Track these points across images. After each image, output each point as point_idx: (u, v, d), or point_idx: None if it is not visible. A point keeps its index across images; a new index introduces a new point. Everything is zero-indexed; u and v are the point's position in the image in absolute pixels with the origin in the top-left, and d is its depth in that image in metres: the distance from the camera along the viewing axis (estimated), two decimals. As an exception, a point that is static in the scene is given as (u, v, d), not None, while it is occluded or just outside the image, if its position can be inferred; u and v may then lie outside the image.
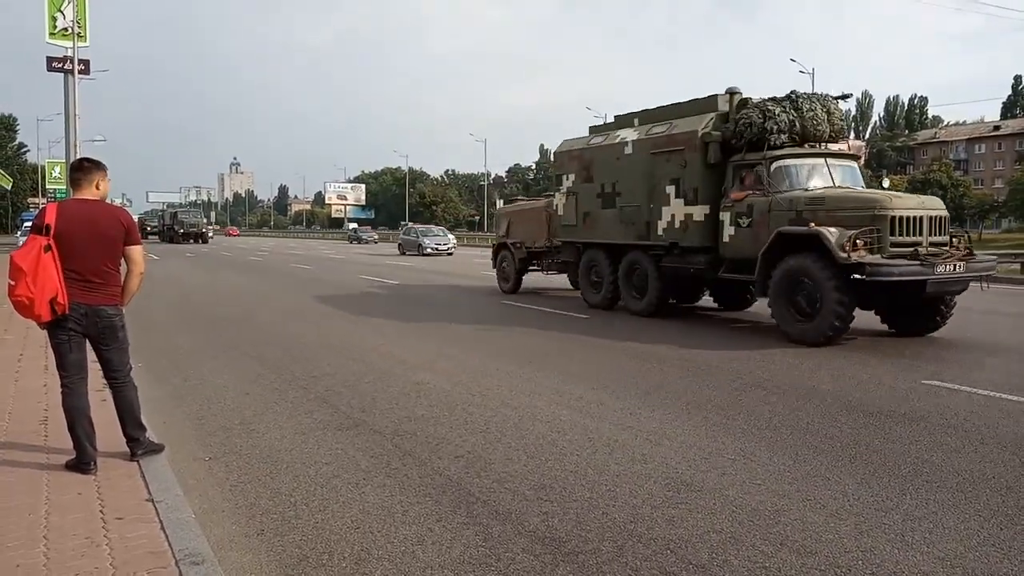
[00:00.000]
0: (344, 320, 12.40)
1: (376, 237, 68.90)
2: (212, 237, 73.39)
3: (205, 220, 70.24)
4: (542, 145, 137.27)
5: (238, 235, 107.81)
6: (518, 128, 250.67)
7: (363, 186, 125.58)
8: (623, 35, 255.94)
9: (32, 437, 5.13)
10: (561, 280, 17.28)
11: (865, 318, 10.16)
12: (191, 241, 60.50)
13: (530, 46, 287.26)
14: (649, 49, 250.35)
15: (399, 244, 45.45)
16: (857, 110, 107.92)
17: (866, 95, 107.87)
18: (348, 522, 3.96)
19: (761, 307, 13.25)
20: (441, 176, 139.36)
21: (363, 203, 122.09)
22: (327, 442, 5.40)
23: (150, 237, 70.41)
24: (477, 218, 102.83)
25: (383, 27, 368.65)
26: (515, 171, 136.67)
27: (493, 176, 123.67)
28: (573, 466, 4.82)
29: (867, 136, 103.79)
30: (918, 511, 4.06)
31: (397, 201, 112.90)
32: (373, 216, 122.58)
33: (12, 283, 4.21)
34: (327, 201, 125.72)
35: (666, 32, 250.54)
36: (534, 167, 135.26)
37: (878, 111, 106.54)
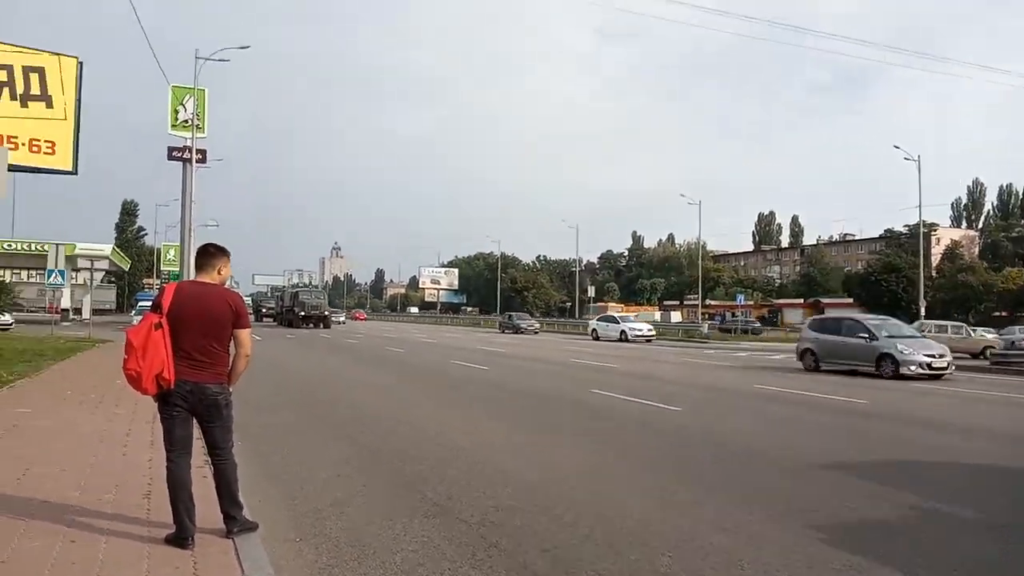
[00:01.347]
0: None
1: (537, 326, 59.66)
2: (343, 323, 68.08)
3: (325, 302, 60.72)
4: (635, 232, 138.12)
5: (364, 319, 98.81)
6: (610, 215, 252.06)
7: (456, 271, 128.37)
8: (720, 122, 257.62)
9: (135, 510, 5.31)
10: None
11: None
12: (311, 326, 52.67)
13: (621, 134, 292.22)
14: (746, 136, 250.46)
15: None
16: (968, 199, 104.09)
17: (977, 183, 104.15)
18: (433, 614, 3.89)
19: (878, 404, 12.62)
20: (533, 262, 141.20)
21: (456, 287, 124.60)
22: (414, 529, 5.37)
23: (265, 320, 66.85)
24: (568, 304, 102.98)
25: (475, 117, 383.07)
26: (607, 258, 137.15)
27: (585, 262, 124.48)
28: (665, 568, 4.62)
29: (980, 226, 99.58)
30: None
31: (489, 286, 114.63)
32: (465, 301, 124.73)
33: (126, 357, 4.47)
34: (421, 285, 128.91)
35: (763, 120, 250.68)
36: (626, 254, 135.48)
37: (991, 200, 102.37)
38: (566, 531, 5.35)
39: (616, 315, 50.10)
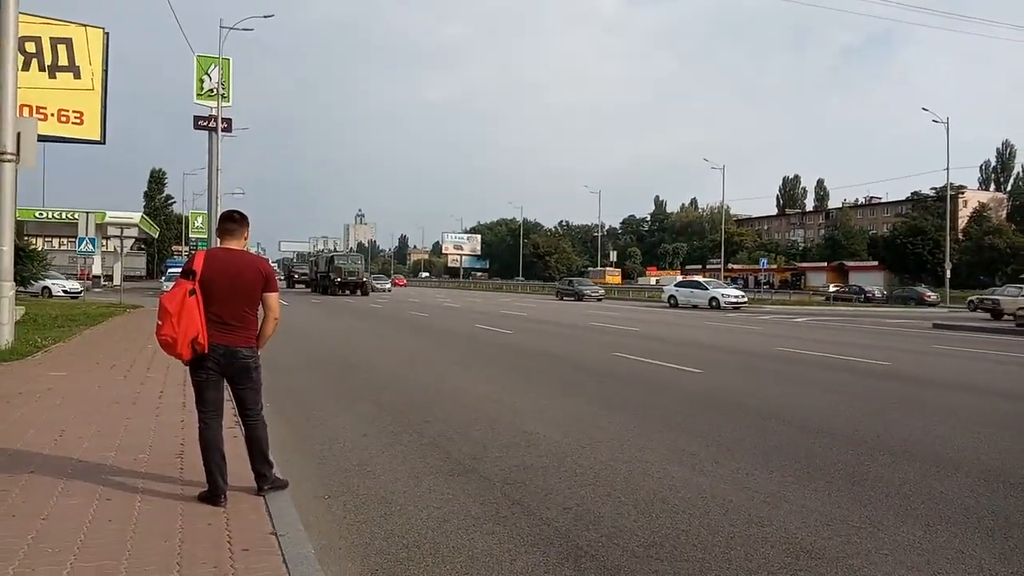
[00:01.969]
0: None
1: (602, 292, 55.53)
2: (389, 290, 62.33)
3: (364, 267, 55.58)
4: (657, 197, 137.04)
5: (405, 285, 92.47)
6: (633, 180, 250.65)
7: (479, 236, 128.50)
8: (745, 86, 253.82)
9: (169, 469, 5.48)
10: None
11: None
12: (348, 292, 49.13)
13: (647, 100, 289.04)
14: (770, 101, 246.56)
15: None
16: (998, 161, 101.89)
17: (1007, 145, 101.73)
18: (458, 567, 4.01)
19: (912, 369, 12.61)
20: (555, 227, 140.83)
21: (478, 253, 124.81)
22: (439, 487, 5.50)
23: (297, 286, 64.10)
24: (589, 269, 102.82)
25: (502, 86, 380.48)
26: (629, 223, 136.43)
27: (607, 227, 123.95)
28: (685, 525, 4.70)
29: (1009, 188, 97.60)
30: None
31: (511, 251, 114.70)
32: (487, 266, 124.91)
33: (160, 323, 4.58)
34: (444, 251, 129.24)
35: (788, 83, 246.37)
36: (648, 219, 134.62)
37: (1021, 162, 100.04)
38: (588, 489, 5.44)
39: (701, 280, 45.39)
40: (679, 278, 78.59)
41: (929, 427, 7.94)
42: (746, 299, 41.50)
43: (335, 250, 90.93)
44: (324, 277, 52.22)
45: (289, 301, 37.79)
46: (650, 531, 4.58)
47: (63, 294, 33.75)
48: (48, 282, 34.71)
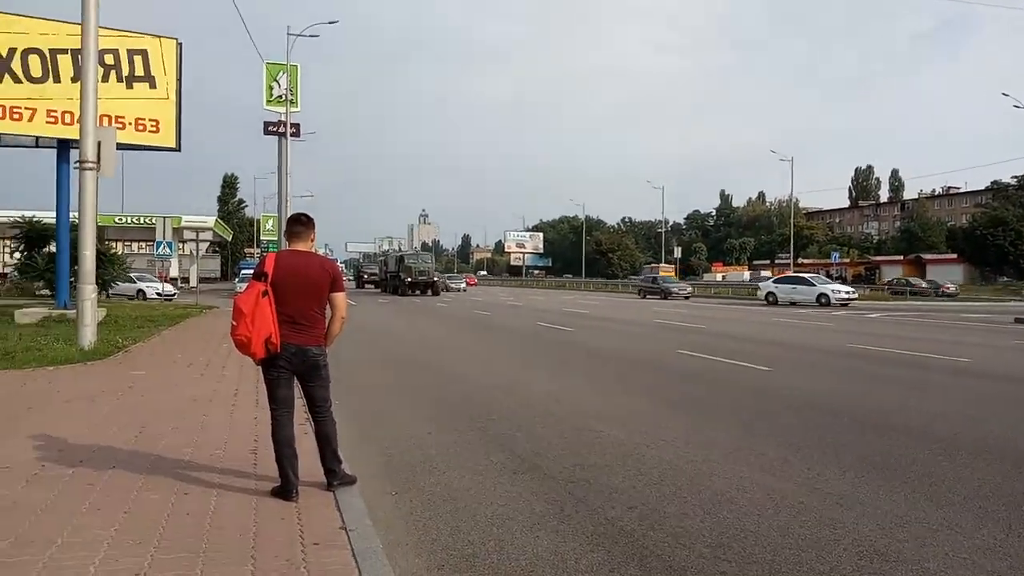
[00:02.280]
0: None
1: (690, 290, 52.33)
2: (464, 289, 61.21)
3: (433, 266, 54.21)
4: (723, 191, 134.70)
5: (476, 284, 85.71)
6: (698, 175, 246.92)
7: (541, 234, 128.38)
8: (813, 75, 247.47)
9: (243, 464, 5.67)
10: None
11: None
12: (418, 292, 48.04)
13: (710, 93, 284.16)
14: (842, 88, 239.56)
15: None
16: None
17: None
18: (523, 565, 4.03)
19: (983, 360, 12.17)
20: (617, 224, 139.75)
21: (541, 251, 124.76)
22: (503, 484, 5.53)
23: (367, 286, 63.71)
24: (672, 266, 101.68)
25: (558, 82, 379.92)
26: (694, 218, 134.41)
27: (671, 223, 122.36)
28: (753, 526, 4.62)
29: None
30: None
31: (574, 249, 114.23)
32: (550, 264, 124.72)
33: (235, 324, 4.73)
34: (506, 249, 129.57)
35: (860, 71, 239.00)
36: (714, 213, 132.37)
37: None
38: (653, 489, 5.40)
39: (808, 276, 42.17)
40: (746, 274, 76.72)
41: (1010, 425, 7.61)
42: (856, 295, 39.02)
43: (402, 250, 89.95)
44: (394, 277, 51.19)
45: (357, 301, 38.47)
46: (717, 532, 4.52)
47: (156, 296, 35.04)
48: (142, 285, 36.30)
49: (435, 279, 50.26)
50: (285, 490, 4.82)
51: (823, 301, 36.23)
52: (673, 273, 73.48)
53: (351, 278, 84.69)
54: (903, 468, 5.96)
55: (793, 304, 36.93)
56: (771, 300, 39.05)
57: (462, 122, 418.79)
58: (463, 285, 64.98)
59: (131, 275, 36.54)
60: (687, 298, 48.15)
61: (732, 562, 4.05)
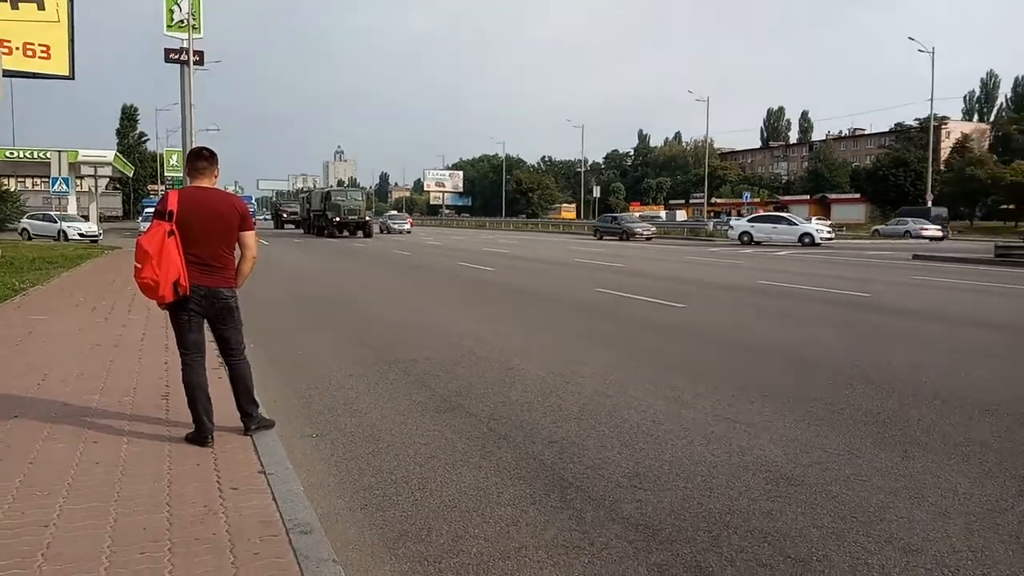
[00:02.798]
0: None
1: (653, 230, 47.54)
2: (408, 231, 52.82)
3: (365, 205, 48.96)
4: (641, 131, 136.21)
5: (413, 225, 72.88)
6: (617, 114, 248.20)
7: (461, 173, 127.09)
8: (729, 16, 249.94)
9: (155, 411, 5.49)
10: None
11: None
12: (347, 234, 43.38)
13: (631, 30, 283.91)
14: (756, 33, 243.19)
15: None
16: (982, 91, 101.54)
17: (991, 75, 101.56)
18: (446, 501, 4.07)
19: (898, 300, 12.76)
20: (537, 163, 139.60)
21: (461, 190, 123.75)
22: (425, 424, 5.55)
23: (287, 227, 59.57)
24: (573, 205, 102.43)
25: (483, 15, 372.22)
26: (613, 158, 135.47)
27: (590, 162, 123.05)
28: (668, 456, 4.79)
29: (992, 119, 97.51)
30: (1038, 516, 3.83)
31: (494, 188, 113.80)
32: (470, 203, 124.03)
33: (139, 266, 4.49)
34: (426, 188, 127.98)
35: (776, 14, 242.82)
36: (632, 153, 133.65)
37: (1005, 92, 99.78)
38: (572, 423, 5.52)
39: (787, 215, 40.64)
40: (662, 213, 77.99)
41: (906, 357, 8.07)
42: (833, 235, 38.58)
43: (329, 186, 78.07)
44: (319, 217, 45.64)
45: (271, 242, 37.47)
46: (633, 462, 4.66)
47: (80, 237, 32.85)
48: (64, 225, 34.16)
49: (367, 219, 45.70)
50: (200, 436, 4.70)
51: (806, 241, 35.07)
52: (573, 215, 72.22)
53: (268, 217, 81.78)
54: (807, 399, 6.25)
55: (771, 245, 35.35)
56: (745, 240, 37.15)
57: (382, 54, 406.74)
58: (407, 226, 54.95)
59: (52, 214, 34.58)
60: (648, 239, 44.28)
61: (648, 490, 4.19)
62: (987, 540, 3.56)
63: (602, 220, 52.10)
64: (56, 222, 34.53)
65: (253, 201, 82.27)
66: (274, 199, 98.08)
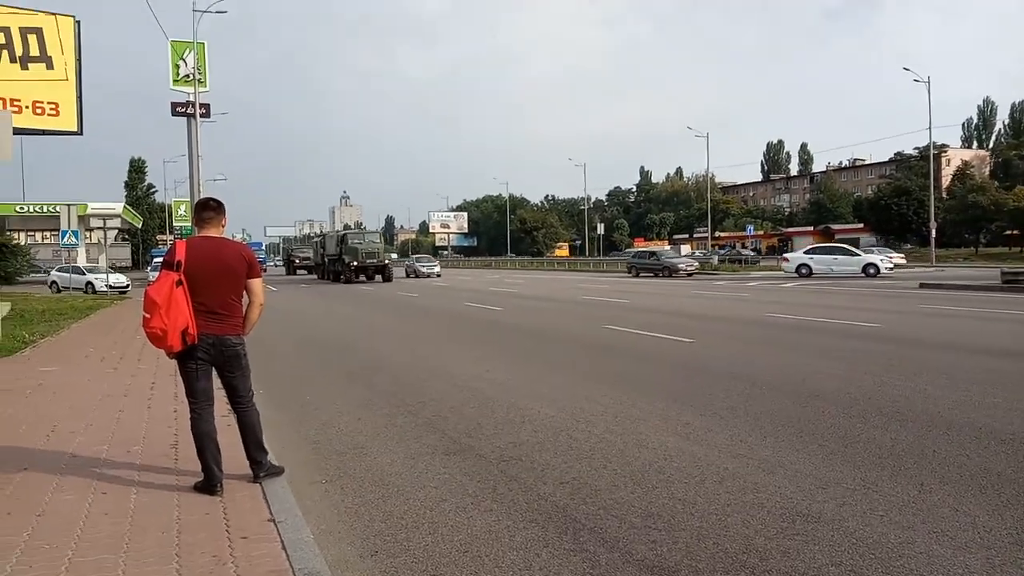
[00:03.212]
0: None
1: (696, 265, 44.51)
2: (438, 274, 49.25)
3: (383, 247, 46.57)
4: (642, 167, 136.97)
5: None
6: (619, 151, 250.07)
7: (465, 214, 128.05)
8: (725, 52, 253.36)
9: (164, 460, 5.47)
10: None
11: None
12: (364, 279, 41.38)
13: (627, 67, 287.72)
14: (750, 64, 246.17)
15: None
16: (979, 118, 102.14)
17: (988, 102, 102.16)
18: (457, 545, 4.02)
19: (909, 330, 12.69)
20: (541, 202, 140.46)
21: (466, 230, 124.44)
22: (435, 467, 5.50)
23: (299, 272, 58.31)
24: (579, 242, 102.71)
25: (481, 58, 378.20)
26: (615, 194, 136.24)
27: (593, 200, 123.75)
28: (681, 495, 4.73)
29: (991, 145, 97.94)
30: (1061, 547, 3.75)
31: (498, 228, 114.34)
32: (475, 243, 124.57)
33: (147, 316, 4.53)
34: (431, 230, 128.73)
35: (767, 47, 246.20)
36: (635, 189, 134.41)
37: (1002, 118, 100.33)
38: (584, 463, 5.46)
39: (846, 246, 38.46)
40: (667, 248, 78.16)
41: (919, 389, 8.00)
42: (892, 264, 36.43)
43: (348, 228, 74.38)
44: (334, 261, 42.55)
45: (280, 288, 37.57)
46: (647, 502, 4.61)
47: (107, 289, 32.91)
48: (91, 277, 34.34)
49: (386, 262, 42.99)
50: (209, 484, 4.67)
51: (871, 272, 33.06)
52: (567, 252, 69.80)
53: (278, 263, 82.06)
54: (820, 432, 6.19)
55: (831, 278, 33.23)
56: (804, 273, 35.00)
57: (384, 101, 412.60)
58: (436, 269, 50.81)
59: (81, 266, 34.84)
60: (691, 275, 40.60)
61: (662, 530, 4.13)
62: (1009, 575, 3.49)
63: (638, 256, 47.21)
64: (84, 274, 34.79)
65: (263, 248, 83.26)
66: (284, 245, 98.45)
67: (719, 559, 3.75)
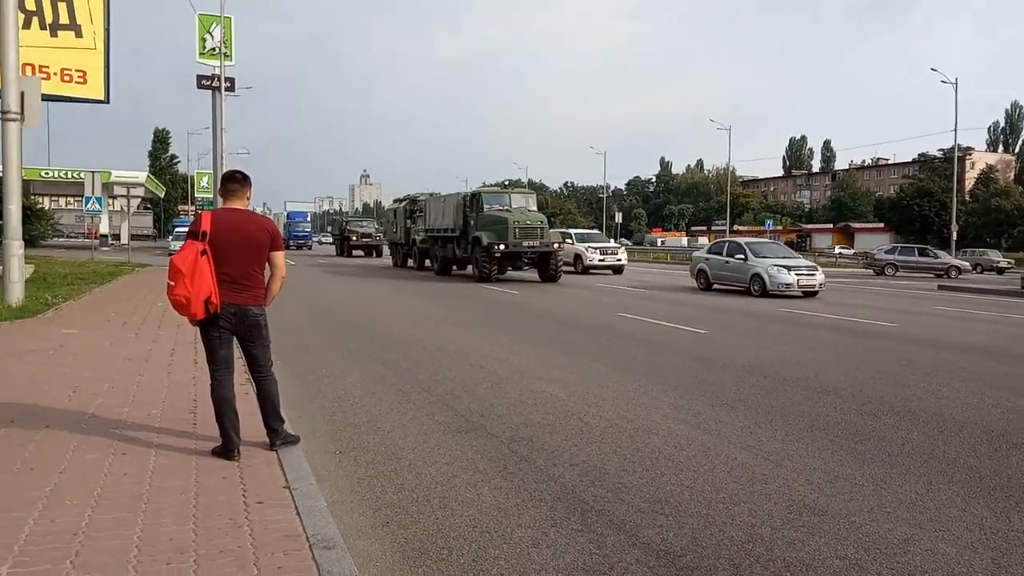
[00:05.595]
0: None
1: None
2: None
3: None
4: (663, 158, 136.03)
5: None
6: (639, 141, 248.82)
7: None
8: (753, 46, 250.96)
9: (183, 424, 5.57)
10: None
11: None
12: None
13: (654, 57, 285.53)
14: (780, 60, 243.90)
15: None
16: (1006, 122, 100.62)
17: (1016, 106, 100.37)
18: (467, 520, 4.10)
19: (908, 326, 12.63)
20: (560, 188, 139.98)
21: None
22: (447, 443, 5.58)
23: (355, 253, 57.31)
24: (596, 231, 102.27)
25: (510, 43, 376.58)
26: (635, 184, 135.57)
27: (612, 188, 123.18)
28: (690, 482, 4.78)
29: (1017, 150, 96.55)
30: (1066, 551, 3.77)
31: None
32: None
33: (172, 283, 4.61)
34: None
35: (797, 42, 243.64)
36: (654, 180, 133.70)
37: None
38: (594, 447, 5.52)
39: (928, 247, 37.26)
40: (684, 239, 77.79)
41: (932, 389, 7.98)
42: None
43: (483, 186, 57.11)
44: (448, 242, 28.45)
45: (342, 279, 37.67)
46: (655, 487, 4.66)
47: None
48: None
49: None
50: (227, 449, 4.77)
51: (953, 275, 32.37)
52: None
53: (323, 241, 78.01)
54: (832, 428, 6.21)
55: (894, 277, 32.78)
56: (883, 271, 34.23)
57: (408, 82, 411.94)
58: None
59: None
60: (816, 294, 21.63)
61: (669, 516, 4.19)
62: None
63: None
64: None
65: (307, 218, 75.93)
66: (336, 216, 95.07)
67: (724, 546, 3.80)
